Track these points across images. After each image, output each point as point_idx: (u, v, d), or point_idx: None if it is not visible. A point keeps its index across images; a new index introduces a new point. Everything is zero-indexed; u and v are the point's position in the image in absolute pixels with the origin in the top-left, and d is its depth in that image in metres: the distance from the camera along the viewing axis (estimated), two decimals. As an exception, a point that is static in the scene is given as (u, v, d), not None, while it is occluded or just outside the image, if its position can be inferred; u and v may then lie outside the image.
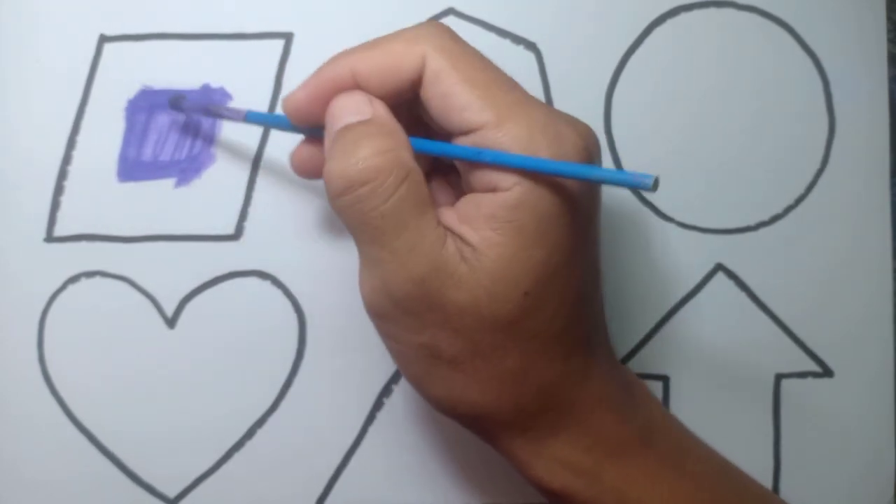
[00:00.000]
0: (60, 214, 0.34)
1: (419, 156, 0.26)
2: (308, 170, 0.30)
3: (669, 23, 0.35)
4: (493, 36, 0.35)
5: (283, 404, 0.34)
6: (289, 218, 0.34)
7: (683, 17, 0.35)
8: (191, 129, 0.35)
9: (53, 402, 0.34)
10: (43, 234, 0.34)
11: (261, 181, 0.35)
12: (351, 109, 0.26)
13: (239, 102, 0.34)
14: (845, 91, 0.35)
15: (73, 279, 0.34)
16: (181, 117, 0.35)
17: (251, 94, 0.35)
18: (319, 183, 0.34)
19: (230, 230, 0.35)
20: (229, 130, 0.35)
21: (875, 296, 0.35)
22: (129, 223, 0.34)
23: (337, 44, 0.35)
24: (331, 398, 0.35)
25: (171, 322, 0.34)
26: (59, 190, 0.34)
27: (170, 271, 0.34)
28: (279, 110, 0.33)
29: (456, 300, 0.25)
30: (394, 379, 0.34)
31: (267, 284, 0.35)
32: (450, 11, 0.35)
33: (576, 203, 0.25)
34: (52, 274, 0.34)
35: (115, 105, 0.35)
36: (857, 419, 0.35)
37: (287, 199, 0.35)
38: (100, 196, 0.34)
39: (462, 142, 0.25)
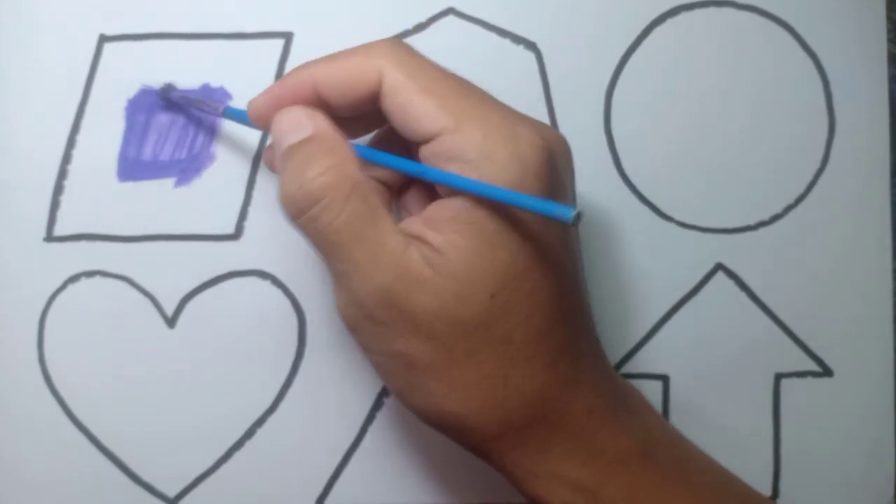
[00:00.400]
0: (60, 214, 0.35)
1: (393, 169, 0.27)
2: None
3: (669, 22, 0.35)
4: (493, 36, 0.35)
5: (283, 404, 0.35)
6: (289, 218, 0.35)
7: (683, 17, 0.35)
8: (191, 129, 0.35)
9: (53, 402, 0.34)
10: (43, 234, 0.34)
11: (261, 181, 0.35)
12: (291, 127, 0.27)
13: (239, 102, 0.34)
14: (845, 91, 0.35)
15: (73, 279, 0.34)
16: (181, 116, 0.35)
17: (251, 93, 0.34)
18: (319, 183, 0.34)
19: (230, 230, 0.35)
20: (229, 130, 0.35)
21: (875, 295, 0.35)
22: (128, 223, 0.34)
23: (337, 43, 0.35)
24: (330, 398, 0.35)
25: (171, 322, 0.34)
26: (58, 189, 0.34)
27: (170, 271, 0.34)
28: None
29: (423, 304, 0.25)
30: (394, 379, 0.35)
31: (267, 284, 0.35)
32: (450, 11, 0.35)
33: None
34: (51, 273, 0.34)
35: (115, 104, 0.35)
36: (856, 419, 0.35)
37: (287, 199, 0.35)
38: (100, 195, 0.34)
39: (424, 150, 0.26)
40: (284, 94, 0.28)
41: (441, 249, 0.25)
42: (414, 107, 0.25)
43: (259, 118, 0.29)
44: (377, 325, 0.26)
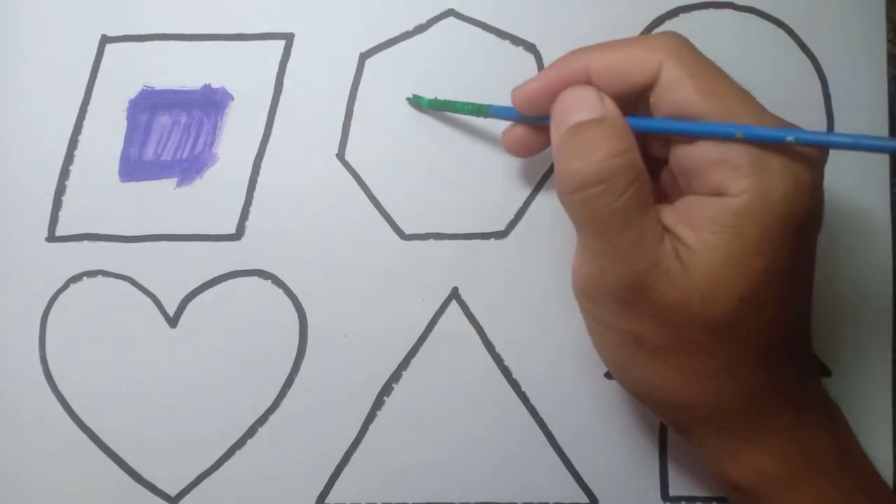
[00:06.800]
0: (62, 214, 0.35)
1: None
2: (520, 150, 0.32)
3: (668, 24, 0.35)
4: (492, 37, 0.35)
5: (285, 403, 0.35)
6: (290, 218, 0.35)
7: (682, 19, 0.35)
8: (192, 129, 0.35)
9: (55, 401, 0.35)
10: (45, 234, 0.35)
11: (262, 181, 0.35)
12: (581, 105, 0.27)
13: (240, 103, 0.35)
14: (844, 91, 0.35)
15: (75, 278, 0.35)
16: (182, 116, 0.35)
17: (252, 94, 0.35)
18: (320, 182, 0.35)
19: (231, 230, 0.35)
20: (231, 130, 0.35)
21: (874, 296, 0.35)
22: (130, 223, 0.35)
23: (337, 44, 0.35)
24: (332, 397, 0.35)
25: (172, 321, 0.35)
26: (61, 189, 0.35)
27: (171, 271, 0.35)
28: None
29: (669, 297, 0.25)
30: (394, 378, 0.35)
31: (268, 284, 0.35)
32: (450, 12, 0.35)
33: (803, 216, 0.26)
34: (54, 273, 0.35)
35: (117, 105, 0.35)
36: (854, 419, 0.35)
37: (288, 199, 0.35)
38: (102, 196, 0.35)
39: (684, 147, 0.26)
40: (558, 80, 0.28)
41: (693, 247, 0.25)
42: (692, 106, 0.26)
43: (527, 103, 0.29)
44: (616, 303, 0.26)
